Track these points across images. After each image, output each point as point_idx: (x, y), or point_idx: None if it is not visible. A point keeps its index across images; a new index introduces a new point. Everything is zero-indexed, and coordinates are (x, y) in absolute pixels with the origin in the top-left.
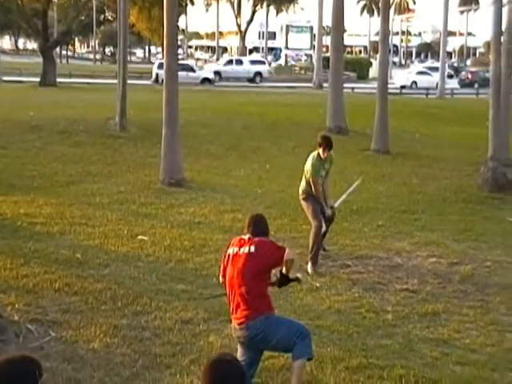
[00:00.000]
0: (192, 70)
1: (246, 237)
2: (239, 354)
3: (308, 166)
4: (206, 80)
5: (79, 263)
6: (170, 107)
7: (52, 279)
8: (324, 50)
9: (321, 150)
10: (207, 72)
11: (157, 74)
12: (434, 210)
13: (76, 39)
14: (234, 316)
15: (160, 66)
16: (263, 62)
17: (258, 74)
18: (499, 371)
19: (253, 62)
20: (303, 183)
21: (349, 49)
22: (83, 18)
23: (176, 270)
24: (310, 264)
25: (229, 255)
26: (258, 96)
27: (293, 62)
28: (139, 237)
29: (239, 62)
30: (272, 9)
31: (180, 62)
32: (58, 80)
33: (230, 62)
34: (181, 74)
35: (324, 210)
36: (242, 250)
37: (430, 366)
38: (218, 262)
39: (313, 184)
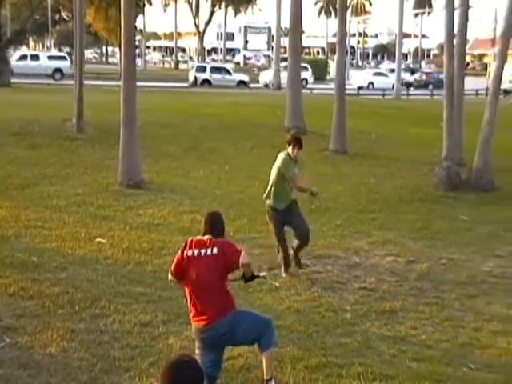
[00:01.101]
0: (228, 72)
1: (206, 237)
2: (201, 358)
3: (279, 165)
4: (241, 83)
5: (35, 267)
6: (128, 108)
7: (6, 283)
8: (282, 51)
9: (290, 149)
10: (242, 75)
11: (195, 77)
12: (391, 210)
13: (30, 39)
14: (197, 318)
15: (198, 69)
16: (64, 58)
17: (58, 70)
18: (453, 366)
19: (51, 58)
20: (271, 190)
21: (307, 50)
22: (38, 17)
23: (135, 272)
24: (282, 270)
25: (188, 257)
26: (216, 97)
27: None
28: (97, 239)
29: (35, 58)
30: (230, 10)
31: (217, 65)
32: (13, 80)
33: (23, 57)
34: (217, 76)
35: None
36: (203, 251)
37: (387, 363)
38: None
39: (291, 180)
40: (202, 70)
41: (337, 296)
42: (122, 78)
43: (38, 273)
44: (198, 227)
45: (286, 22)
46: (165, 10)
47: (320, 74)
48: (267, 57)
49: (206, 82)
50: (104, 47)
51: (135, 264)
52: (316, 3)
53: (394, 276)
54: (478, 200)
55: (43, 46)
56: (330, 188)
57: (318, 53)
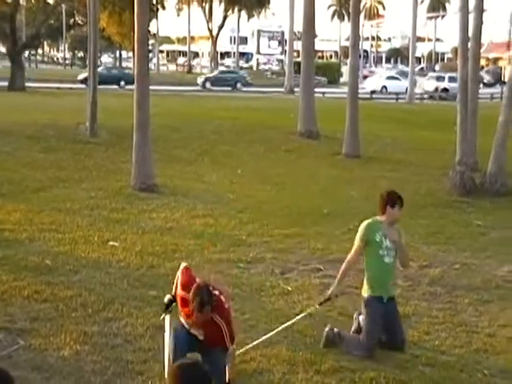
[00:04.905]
0: (455, 80)
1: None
2: None
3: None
4: None
5: (49, 270)
6: (141, 112)
7: (21, 286)
8: (295, 54)
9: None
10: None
11: (436, 87)
12: (404, 214)
13: (45, 43)
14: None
15: (438, 78)
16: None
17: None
18: (467, 372)
19: None
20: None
21: (320, 53)
22: (52, 21)
23: (147, 275)
24: None
25: None
26: (229, 101)
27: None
28: (110, 243)
29: None
30: (243, 14)
31: (454, 75)
32: (27, 84)
33: None
34: (453, 85)
35: None
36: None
37: (400, 368)
38: (190, 267)
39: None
40: (442, 79)
41: (350, 300)
42: (135, 81)
43: (51, 276)
44: (210, 231)
45: (299, 26)
46: (178, 15)
47: (333, 77)
48: (280, 61)
49: (445, 90)
50: (118, 52)
51: (148, 267)
52: (329, 7)
53: (406, 280)
54: (492, 205)
55: (57, 51)
56: (343, 192)
57: (330, 56)
